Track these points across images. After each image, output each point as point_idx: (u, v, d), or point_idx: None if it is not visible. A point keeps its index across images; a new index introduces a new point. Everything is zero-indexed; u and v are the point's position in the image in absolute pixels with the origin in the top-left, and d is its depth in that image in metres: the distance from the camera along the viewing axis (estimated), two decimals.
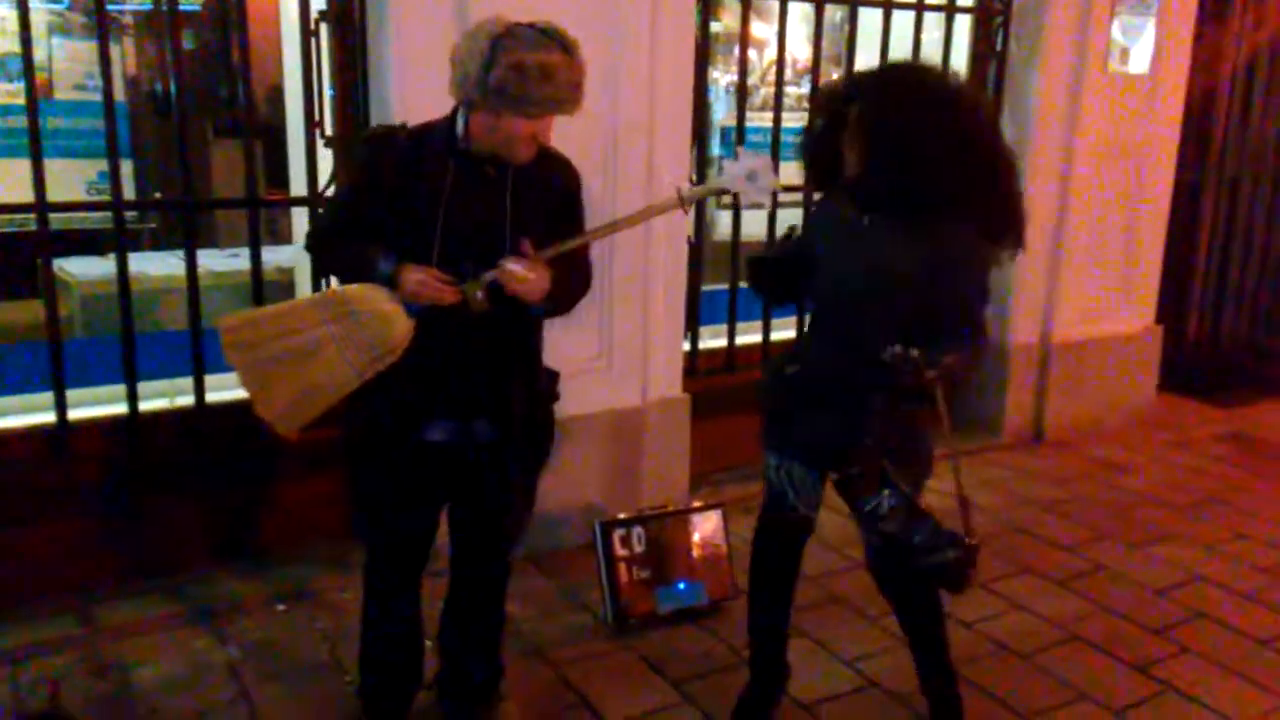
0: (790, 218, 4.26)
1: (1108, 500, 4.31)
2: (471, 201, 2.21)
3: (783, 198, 4.27)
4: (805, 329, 2.60)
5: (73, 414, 3.12)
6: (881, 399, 2.30)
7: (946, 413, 2.26)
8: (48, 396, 3.10)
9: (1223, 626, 3.30)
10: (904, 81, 2.31)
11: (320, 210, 3.27)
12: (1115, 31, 4.69)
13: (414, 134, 2.30)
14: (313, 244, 2.43)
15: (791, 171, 4.36)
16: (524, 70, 2.05)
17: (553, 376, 2.45)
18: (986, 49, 4.66)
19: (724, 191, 2.40)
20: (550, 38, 2.10)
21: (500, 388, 2.29)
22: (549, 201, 2.28)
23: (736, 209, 3.91)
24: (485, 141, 2.18)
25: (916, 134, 2.20)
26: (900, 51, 4.32)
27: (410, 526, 2.41)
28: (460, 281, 2.16)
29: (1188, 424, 5.27)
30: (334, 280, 2.94)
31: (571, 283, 2.30)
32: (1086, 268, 4.93)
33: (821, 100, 2.48)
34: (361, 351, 2.16)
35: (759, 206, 2.48)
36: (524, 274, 2.13)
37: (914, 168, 2.21)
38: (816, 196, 2.79)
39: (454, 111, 2.23)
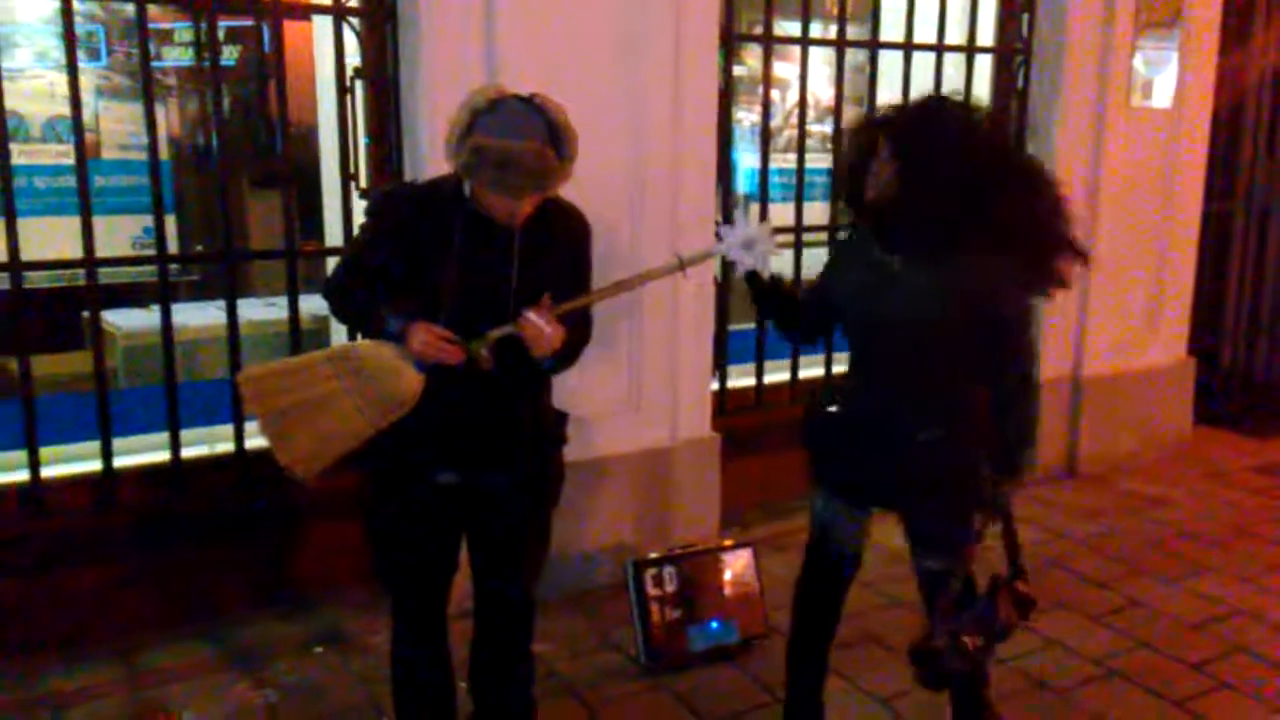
0: (816, 258, 4.37)
1: (1143, 534, 4.27)
2: (479, 257, 2.24)
3: (807, 237, 4.34)
4: (848, 367, 2.60)
5: (117, 462, 3.20)
6: (917, 439, 2.34)
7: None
8: (92, 445, 3.19)
9: (1260, 660, 3.26)
10: (933, 118, 2.32)
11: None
12: (1138, 64, 4.72)
13: (424, 189, 2.35)
14: (327, 295, 2.45)
15: (817, 211, 4.46)
16: (485, 155, 2.07)
17: (561, 419, 2.48)
18: (1008, 88, 4.71)
19: (722, 257, 2.40)
20: (533, 116, 2.10)
21: (507, 439, 2.33)
22: (556, 255, 2.30)
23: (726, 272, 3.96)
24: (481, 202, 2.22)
25: (944, 171, 2.21)
26: (921, 93, 4.38)
27: (426, 566, 2.45)
28: (468, 338, 2.20)
29: (1223, 456, 5.22)
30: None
31: (575, 339, 2.31)
32: (1116, 301, 4.93)
33: (854, 132, 2.49)
34: (373, 404, 2.21)
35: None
36: (543, 327, 2.16)
37: (939, 205, 2.22)
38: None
39: None
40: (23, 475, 3.09)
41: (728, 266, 4.11)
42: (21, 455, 3.09)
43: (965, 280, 2.27)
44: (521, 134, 2.08)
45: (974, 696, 2.60)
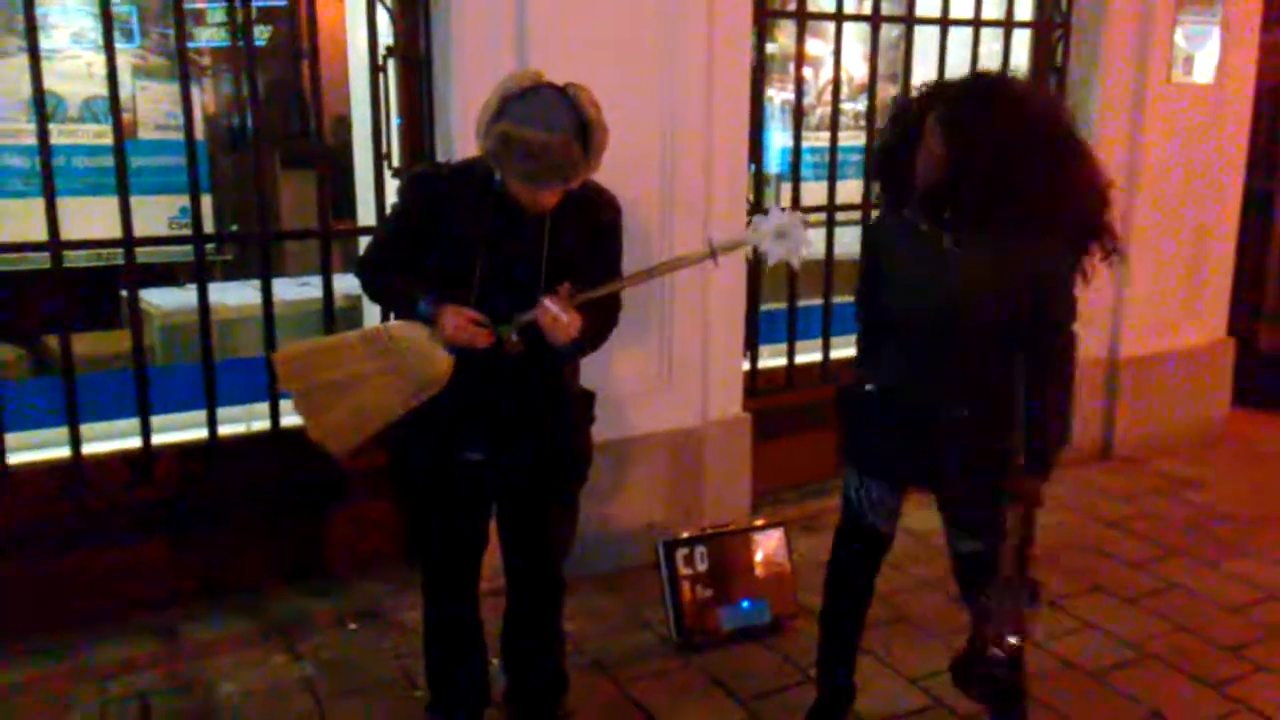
0: (850, 235, 4.33)
1: (1179, 516, 4.23)
2: (509, 240, 2.24)
3: (840, 216, 4.30)
4: (872, 346, 2.59)
5: (155, 439, 3.24)
6: (959, 418, 2.32)
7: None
8: (131, 422, 3.22)
9: None
10: (992, 91, 2.26)
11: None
12: (1179, 39, 4.63)
13: (455, 171, 2.35)
14: (360, 274, 2.47)
15: (850, 190, 4.42)
16: (509, 143, 2.06)
17: (589, 399, 2.49)
18: (1046, 63, 4.63)
19: (754, 246, 2.37)
20: (564, 108, 2.09)
21: (534, 420, 2.34)
22: (585, 238, 2.30)
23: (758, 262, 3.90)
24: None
25: (1005, 146, 2.15)
26: (958, 68, 4.32)
27: (455, 541, 2.48)
28: (496, 321, 2.21)
29: (1261, 438, 5.15)
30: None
31: (599, 325, 2.32)
32: (1154, 281, 4.85)
33: (895, 111, 2.44)
34: (405, 383, 2.23)
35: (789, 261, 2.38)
36: (559, 314, 2.16)
37: (1003, 181, 2.16)
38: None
39: None
40: (63, 451, 3.14)
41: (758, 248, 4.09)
42: (62, 432, 3.13)
43: (1021, 264, 2.25)
44: (549, 125, 2.07)
45: (1015, 691, 2.56)
